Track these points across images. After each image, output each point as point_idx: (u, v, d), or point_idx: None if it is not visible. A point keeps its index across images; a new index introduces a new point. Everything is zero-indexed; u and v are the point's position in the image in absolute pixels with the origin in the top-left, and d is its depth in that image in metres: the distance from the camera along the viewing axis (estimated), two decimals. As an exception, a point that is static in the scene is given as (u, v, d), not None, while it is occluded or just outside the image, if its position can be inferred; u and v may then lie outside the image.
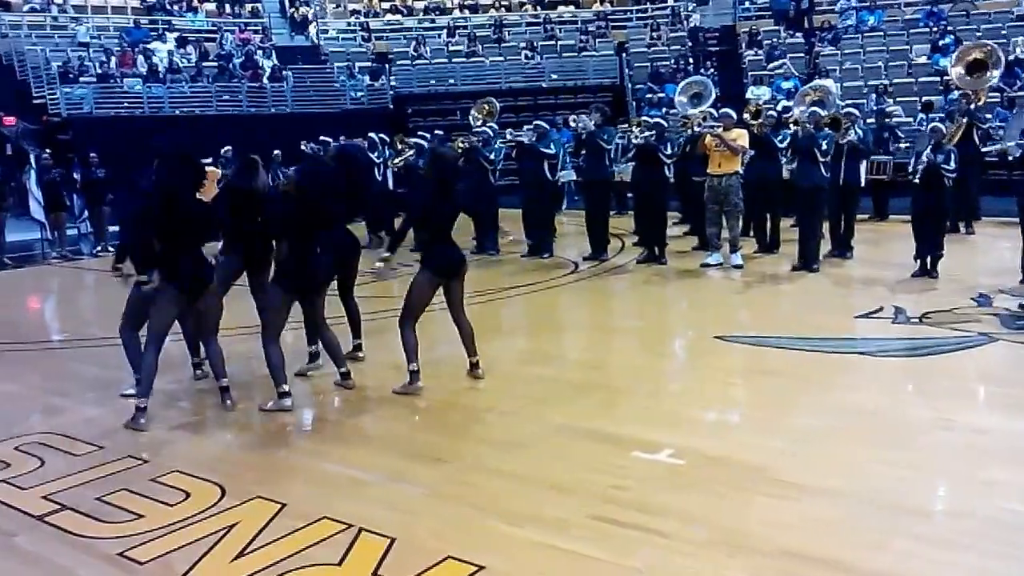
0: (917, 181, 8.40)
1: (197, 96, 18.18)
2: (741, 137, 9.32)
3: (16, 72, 17.22)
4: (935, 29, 18.15)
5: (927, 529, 3.65)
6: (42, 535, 3.89)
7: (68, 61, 17.37)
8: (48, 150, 13.74)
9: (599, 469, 4.30)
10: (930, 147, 8.40)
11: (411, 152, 12.14)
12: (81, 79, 17.21)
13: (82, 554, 3.70)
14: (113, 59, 18.11)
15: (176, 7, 21.38)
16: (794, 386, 5.58)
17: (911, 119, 14.61)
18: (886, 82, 16.46)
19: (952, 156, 8.40)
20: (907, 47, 18.15)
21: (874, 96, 15.57)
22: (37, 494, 4.29)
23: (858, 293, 8.23)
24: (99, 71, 17.67)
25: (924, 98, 14.84)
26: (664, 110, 15.12)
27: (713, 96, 10.89)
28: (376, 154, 12.94)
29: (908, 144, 12.04)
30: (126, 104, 17.40)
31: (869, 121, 12.62)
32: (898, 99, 15.94)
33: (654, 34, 21.28)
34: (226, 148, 13.41)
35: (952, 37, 17.29)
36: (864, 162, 10.54)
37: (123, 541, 3.75)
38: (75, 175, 12.91)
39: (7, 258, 12.16)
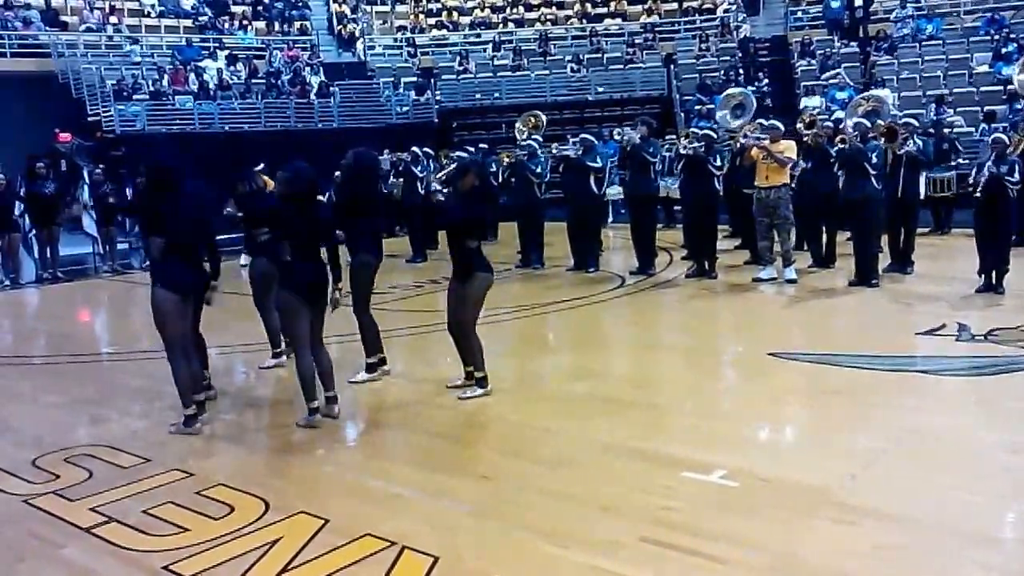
0: (979, 195, 8.14)
1: (246, 112, 18.48)
2: (789, 149, 9.13)
3: (72, 90, 17.67)
4: (997, 36, 17.68)
5: (995, 558, 3.47)
6: (89, 547, 3.90)
7: (122, 79, 17.78)
8: (101, 166, 14.04)
9: (648, 490, 4.18)
10: (992, 159, 8.14)
11: (454, 166, 12.11)
12: (134, 97, 17.61)
13: (128, 567, 3.70)
14: (165, 77, 18.51)
15: (227, 25, 21.81)
16: (853, 406, 5.38)
17: (972, 129, 14.22)
18: (945, 92, 16.06)
19: (1016, 167, 8.13)
20: (967, 55, 17.73)
21: (933, 106, 15.19)
22: (85, 506, 4.31)
23: (919, 309, 7.95)
24: (152, 89, 18.07)
25: (986, 108, 14.45)
26: (713, 122, 14.92)
27: (754, 107, 10.68)
28: (420, 168, 13.00)
29: (971, 157, 11.69)
30: (178, 121, 17.76)
31: (929, 131, 12.30)
32: (959, 109, 15.54)
33: (703, 45, 21.08)
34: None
35: (1015, 44, 16.85)
36: (924, 174, 10.25)
37: (168, 554, 3.74)
38: (127, 190, 13.17)
39: (60, 272, 12.44)
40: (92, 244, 13.27)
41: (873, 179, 8.74)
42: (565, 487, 4.27)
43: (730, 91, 12.13)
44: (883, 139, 8.93)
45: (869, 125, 9.04)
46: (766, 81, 18.43)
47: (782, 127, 9.41)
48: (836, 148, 9.54)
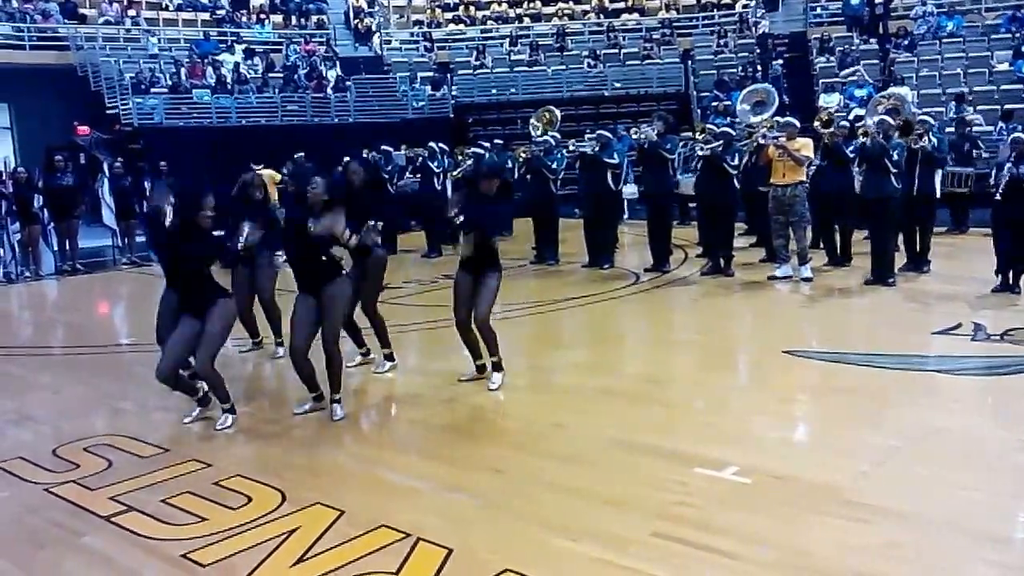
0: (999, 197, 8.08)
1: (263, 106, 18.55)
2: (805, 147, 9.08)
3: (91, 83, 17.78)
4: (1018, 34, 17.50)
5: (1005, 556, 3.48)
6: (109, 535, 3.96)
7: (140, 72, 17.87)
8: (120, 159, 14.15)
9: (660, 485, 4.20)
10: (1012, 159, 8.08)
11: (470, 162, 12.17)
12: (152, 90, 17.69)
13: (147, 555, 3.76)
14: (183, 70, 18.59)
15: (244, 19, 21.89)
16: (867, 404, 5.37)
17: (992, 128, 14.09)
18: (965, 90, 15.91)
19: (1035, 167, 8.05)
20: (988, 53, 17.54)
21: (953, 104, 15.06)
22: (104, 495, 4.38)
23: (935, 309, 7.90)
24: (170, 82, 18.16)
25: (1005, 106, 14.33)
26: (730, 119, 14.86)
27: (776, 103, 10.63)
28: (436, 164, 13.03)
29: (992, 154, 11.61)
30: (195, 114, 17.85)
31: (948, 130, 12.20)
32: (979, 107, 15.39)
33: (720, 41, 20.99)
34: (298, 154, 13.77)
35: (1035, 42, 16.68)
36: (939, 171, 10.17)
37: (186, 543, 3.80)
38: (145, 183, 13.26)
39: (80, 264, 12.56)
40: (111, 236, 13.39)
41: (893, 178, 8.69)
42: (577, 482, 4.30)
43: (754, 86, 12.11)
44: (897, 132, 8.87)
45: (892, 122, 8.96)
46: (782, 77, 18.30)
47: (798, 124, 9.38)
48: (856, 144, 9.47)
